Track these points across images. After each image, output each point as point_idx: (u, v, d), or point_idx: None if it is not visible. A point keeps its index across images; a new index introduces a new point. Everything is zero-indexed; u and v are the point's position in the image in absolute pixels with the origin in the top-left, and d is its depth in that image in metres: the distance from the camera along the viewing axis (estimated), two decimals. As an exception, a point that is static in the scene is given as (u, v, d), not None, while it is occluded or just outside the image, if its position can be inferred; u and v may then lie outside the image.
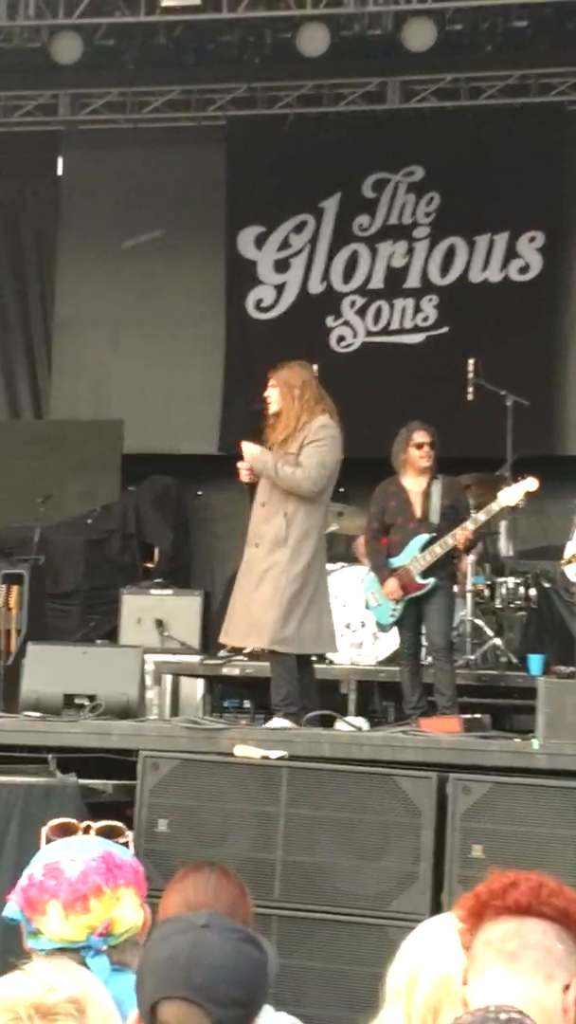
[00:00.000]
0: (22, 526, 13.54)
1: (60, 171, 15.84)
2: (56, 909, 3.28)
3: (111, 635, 12.52)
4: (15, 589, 11.98)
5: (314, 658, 9.53)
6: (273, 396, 9.15)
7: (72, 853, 3.38)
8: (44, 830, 3.64)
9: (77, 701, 9.19)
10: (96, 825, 3.63)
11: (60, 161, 15.81)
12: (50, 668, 9.40)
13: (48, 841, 3.54)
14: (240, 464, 9.21)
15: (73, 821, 3.65)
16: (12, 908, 3.36)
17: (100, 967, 3.24)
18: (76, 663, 9.46)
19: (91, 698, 9.14)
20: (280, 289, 14.87)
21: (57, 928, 3.28)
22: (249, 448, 9.10)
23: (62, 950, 3.27)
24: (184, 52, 14.58)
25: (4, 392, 16.12)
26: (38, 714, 9.16)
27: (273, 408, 9.15)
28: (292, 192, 14.84)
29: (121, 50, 14.50)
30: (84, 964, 3.22)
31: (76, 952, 3.27)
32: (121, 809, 8.29)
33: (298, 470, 8.91)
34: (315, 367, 10.53)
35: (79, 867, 3.33)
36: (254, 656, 11.15)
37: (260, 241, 14.92)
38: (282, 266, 14.88)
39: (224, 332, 14.95)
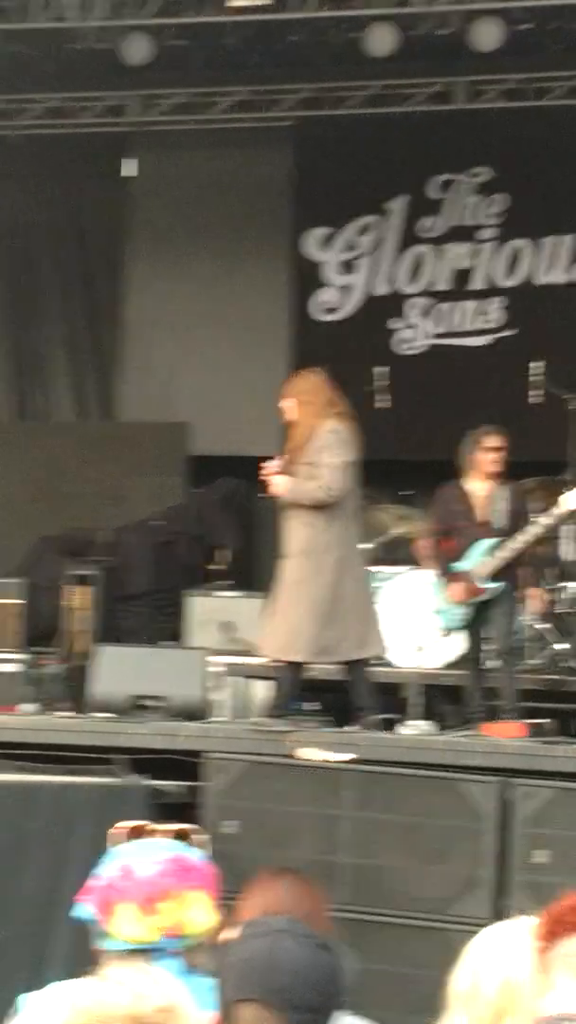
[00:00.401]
0: (91, 528, 13.61)
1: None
2: (128, 911, 3.31)
3: (178, 637, 12.57)
4: (85, 590, 12.05)
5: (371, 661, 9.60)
6: (288, 407, 9.29)
7: (144, 855, 3.42)
8: (115, 832, 3.68)
9: (145, 703, 9.25)
10: (167, 828, 3.66)
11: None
12: (118, 669, 9.48)
13: (119, 843, 3.57)
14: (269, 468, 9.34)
15: (144, 823, 3.71)
16: (84, 909, 3.40)
17: (172, 969, 3.24)
18: (144, 664, 9.53)
19: (158, 699, 9.21)
20: (345, 291, 14.89)
21: (129, 929, 3.31)
22: (276, 484, 9.29)
23: (134, 951, 3.29)
24: (252, 53, 14.57)
25: (72, 394, 16.21)
26: (106, 715, 9.24)
27: (288, 418, 9.31)
28: (358, 193, 14.84)
29: (191, 51, 14.52)
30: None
31: (148, 953, 3.29)
32: (189, 810, 8.36)
33: (312, 483, 9.08)
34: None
35: (151, 869, 3.36)
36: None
37: (325, 243, 14.94)
38: (347, 268, 14.89)
39: (289, 334, 14.98)
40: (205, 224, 15.36)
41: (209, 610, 12.25)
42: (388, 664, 10.64)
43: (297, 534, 9.18)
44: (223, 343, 15.19)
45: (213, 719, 9.57)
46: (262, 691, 11.41)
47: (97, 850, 7.31)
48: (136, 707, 9.29)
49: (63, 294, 16.12)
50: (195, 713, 9.19)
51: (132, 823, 3.68)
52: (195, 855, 3.49)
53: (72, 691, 11.05)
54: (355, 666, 9.25)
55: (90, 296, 16.08)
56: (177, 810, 8.34)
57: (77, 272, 16.09)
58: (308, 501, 9.13)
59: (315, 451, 9.12)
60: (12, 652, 11.38)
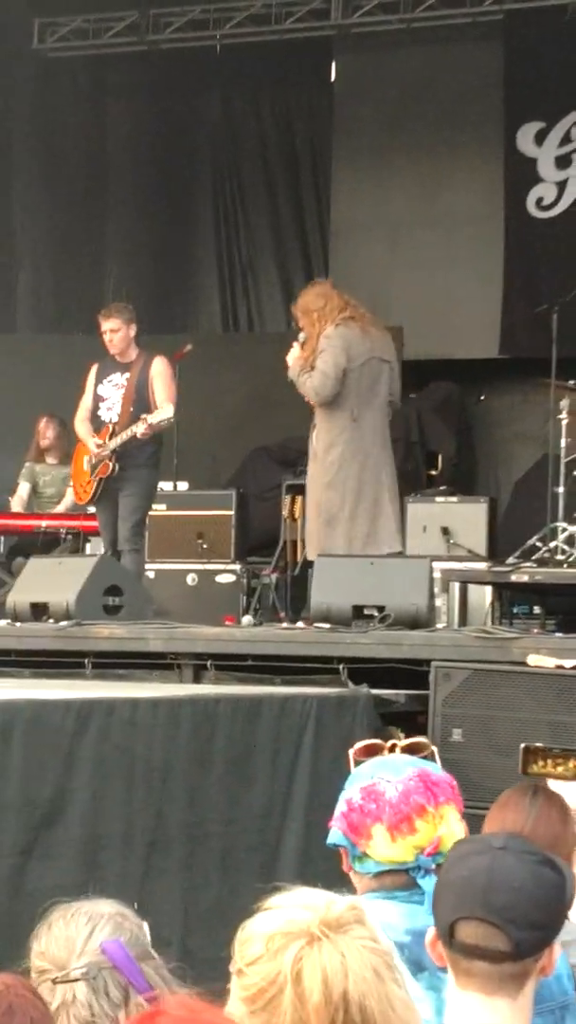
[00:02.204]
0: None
1: (333, 76, 15.68)
2: (381, 832, 3.27)
3: (397, 544, 12.44)
4: (300, 500, 12.00)
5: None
6: (303, 323, 9.68)
7: (387, 774, 3.35)
8: (351, 753, 3.59)
9: (366, 612, 9.14)
10: (401, 743, 3.56)
11: (333, 66, 15.65)
12: (338, 579, 9.36)
13: (356, 764, 3.49)
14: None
15: (378, 742, 3.60)
16: (336, 834, 3.35)
17: (432, 886, 3.15)
18: (364, 574, 9.39)
19: (380, 609, 9.08)
20: (561, 186, 14.47)
21: (385, 850, 3.27)
22: (290, 356, 9.60)
23: (390, 872, 3.27)
24: (457, -55, 14.27)
25: (282, 303, 16.11)
26: (328, 625, 9.14)
27: (301, 338, 9.62)
28: (572, 85, 14.41)
29: (394, -53, 14.25)
30: (415, 884, 3.24)
31: (405, 873, 3.26)
32: (414, 718, 8.24)
33: (308, 378, 9.37)
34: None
35: (398, 788, 3.30)
36: (543, 563, 10.99)
37: (540, 137, 14.54)
38: (563, 162, 14.48)
39: (504, 232, 14.65)
40: (414, 124, 15.09)
41: (428, 516, 12.08)
42: None
43: (311, 438, 9.56)
44: (435, 243, 14.92)
45: (437, 627, 9.41)
46: (484, 597, 11.25)
47: (321, 759, 7.28)
48: (358, 616, 9.15)
49: (270, 201, 16.02)
50: (419, 621, 9.03)
51: (367, 742, 3.56)
52: (436, 769, 3.43)
53: (290, 600, 11.02)
54: None
55: (298, 202, 15.96)
56: (402, 719, 8.22)
57: (284, 179, 15.98)
58: (303, 392, 9.53)
59: (317, 357, 9.28)
60: (229, 563, 11.36)
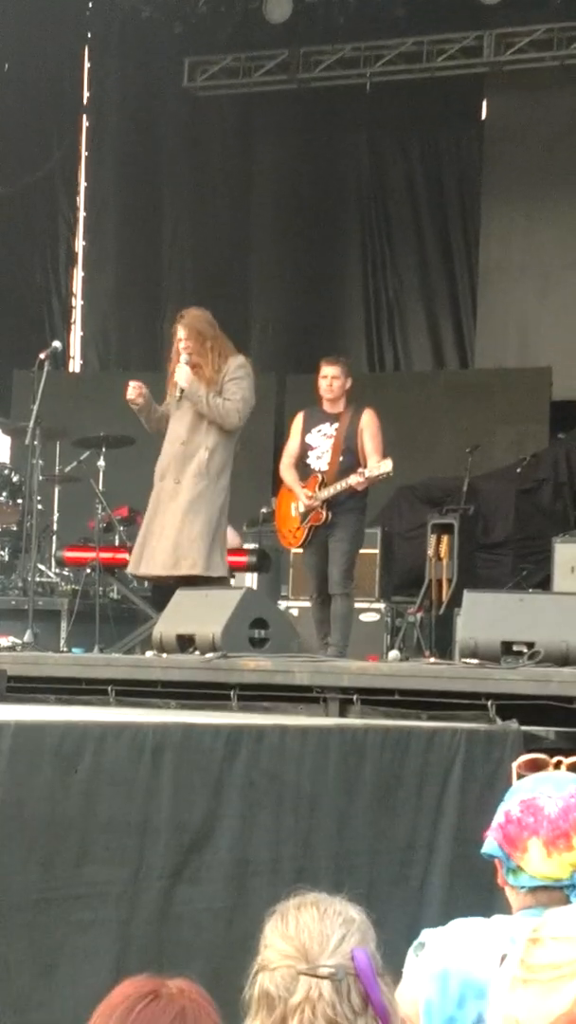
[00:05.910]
0: (451, 477, 13.46)
1: (484, 115, 15.63)
2: (537, 846, 3.18)
3: (543, 584, 12.32)
4: (445, 539, 11.93)
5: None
6: (189, 344, 9.47)
7: (548, 789, 3.26)
8: (514, 766, 3.49)
9: (515, 648, 9.01)
10: (567, 760, 3.45)
11: (484, 105, 15.60)
12: (487, 615, 9.25)
13: (519, 777, 3.40)
14: (132, 383, 9.57)
15: (544, 757, 3.49)
16: (491, 844, 3.27)
17: None
18: (513, 610, 9.28)
19: (529, 645, 8.95)
20: None
21: (539, 866, 3.18)
22: (184, 371, 9.44)
23: (544, 888, 3.17)
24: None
25: (429, 342, 16.07)
26: (476, 661, 9.02)
27: (185, 359, 9.45)
28: None
29: (547, -14, 14.18)
30: (567, 901, 3.13)
31: (559, 890, 3.16)
32: (563, 755, 8.08)
33: (227, 402, 9.36)
34: None
35: (558, 804, 3.22)
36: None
37: None
38: None
39: None
40: (566, 163, 14.99)
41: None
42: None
43: (194, 458, 9.50)
44: (587, 284, 14.82)
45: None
46: None
47: (468, 794, 7.16)
48: (507, 652, 9.03)
49: (417, 241, 15.98)
50: (569, 658, 8.88)
51: (532, 756, 3.47)
52: (599, 789, 3.33)
53: (435, 638, 10.92)
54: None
55: (446, 242, 15.93)
56: (551, 756, 8.08)
57: (432, 218, 15.95)
58: (216, 416, 9.41)
59: (222, 382, 9.39)
60: (374, 602, 11.28)
